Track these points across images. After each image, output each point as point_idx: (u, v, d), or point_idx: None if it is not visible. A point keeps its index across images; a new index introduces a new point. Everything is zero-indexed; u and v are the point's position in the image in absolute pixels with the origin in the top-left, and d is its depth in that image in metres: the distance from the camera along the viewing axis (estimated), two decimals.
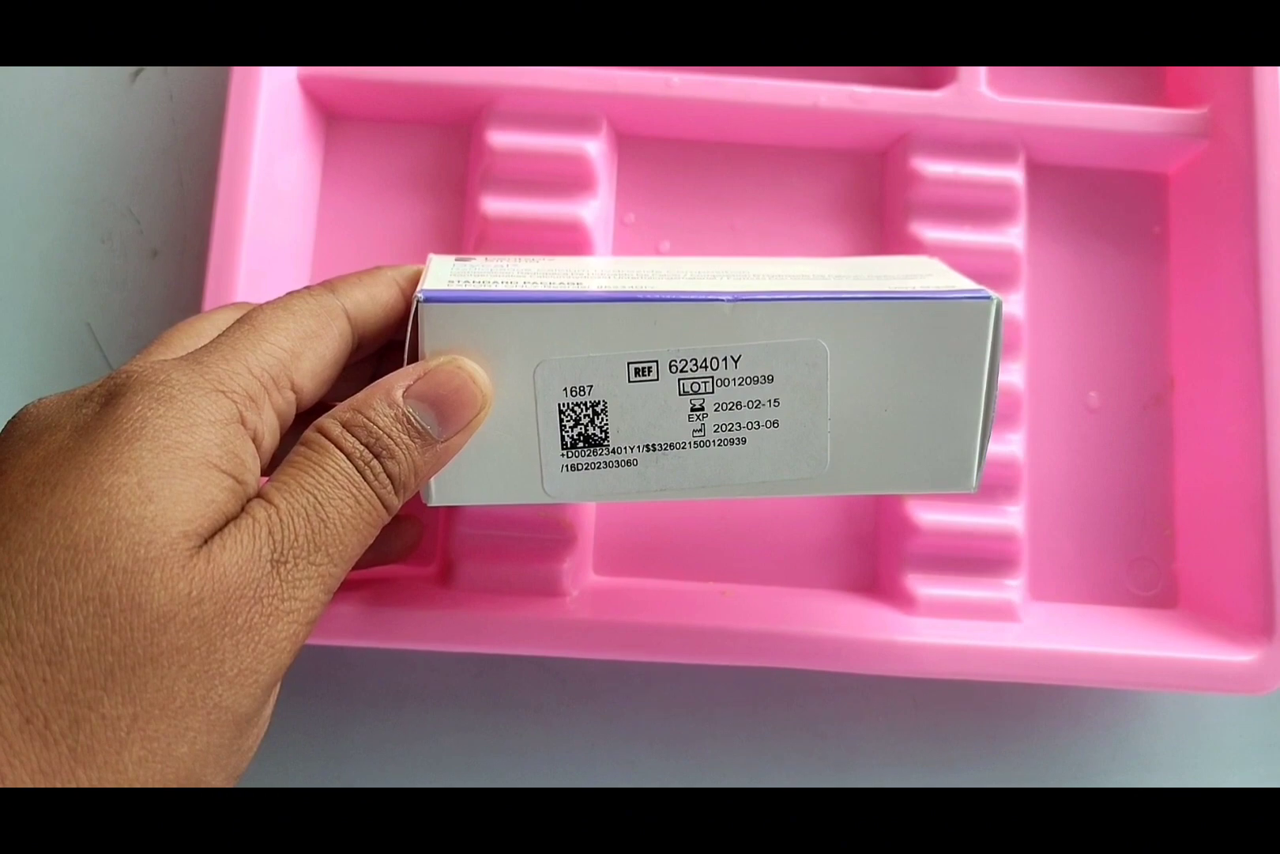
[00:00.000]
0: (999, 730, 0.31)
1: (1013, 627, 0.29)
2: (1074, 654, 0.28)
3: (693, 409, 0.22)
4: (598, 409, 0.22)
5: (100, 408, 0.19)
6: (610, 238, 0.32)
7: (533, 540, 0.29)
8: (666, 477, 0.23)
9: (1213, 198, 0.31)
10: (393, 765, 0.30)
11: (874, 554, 0.31)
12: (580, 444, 0.22)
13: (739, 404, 0.23)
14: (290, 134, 0.30)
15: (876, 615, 0.29)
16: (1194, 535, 0.31)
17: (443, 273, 0.23)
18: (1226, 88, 0.31)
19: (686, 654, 0.27)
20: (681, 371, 0.22)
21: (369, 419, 0.21)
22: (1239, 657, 0.28)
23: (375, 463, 0.20)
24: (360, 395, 0.21)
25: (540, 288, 0.22)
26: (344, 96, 0.31)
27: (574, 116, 0.31)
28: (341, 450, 0.20)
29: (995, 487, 0.30)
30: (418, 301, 0.21)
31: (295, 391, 0.21)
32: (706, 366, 0.22)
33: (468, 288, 0.22)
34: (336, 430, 0.21)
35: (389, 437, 0.21)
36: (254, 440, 0.20)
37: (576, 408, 0.22)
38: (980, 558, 0.29)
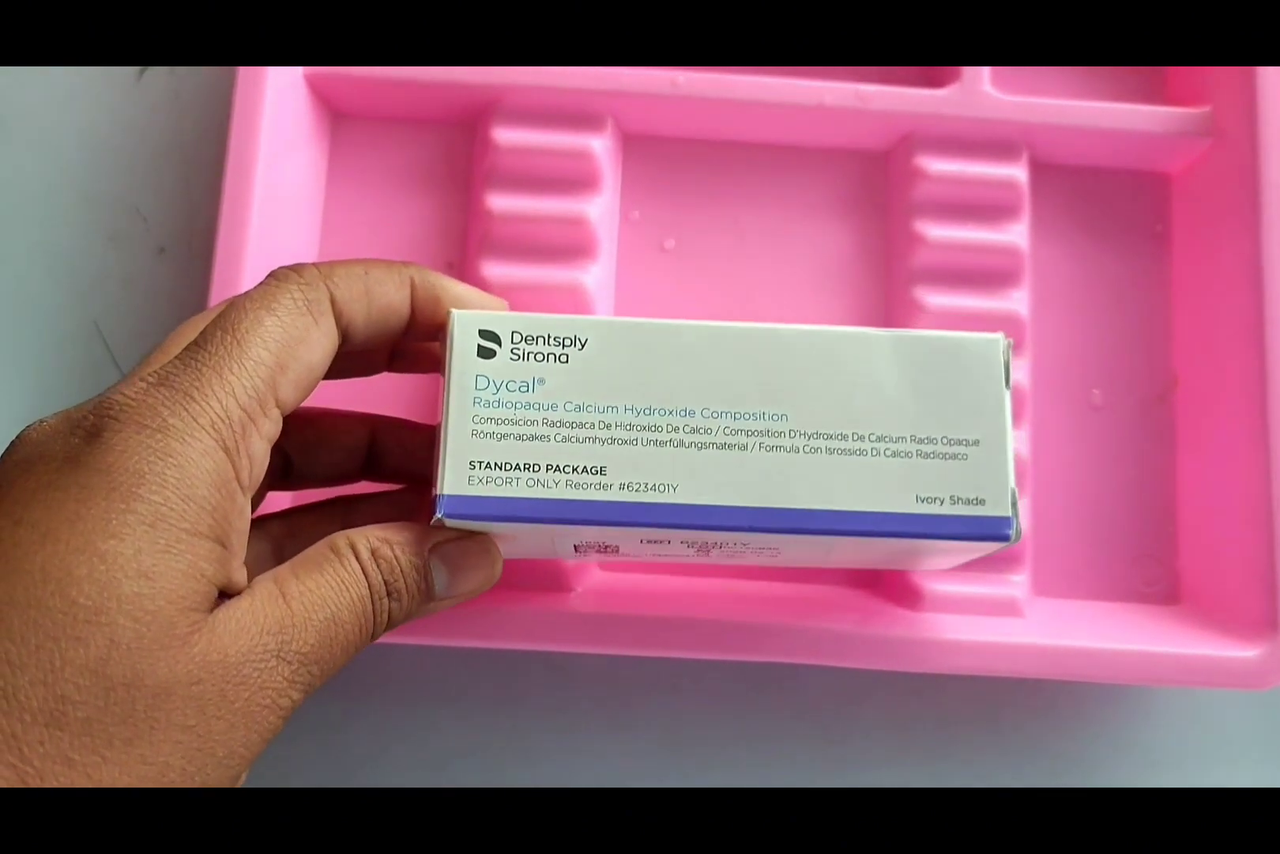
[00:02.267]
0: (1002, 726, 0.31)
1: (1017, 622, 0.29)
2: (1078, 649, 0.28)
3: (698, 552, 0.24)
4: (610, 548, 0.24)
5: (87, 439, 0.19)
6: (615, 235, 0.32)
7: None
8: (668, 559, 0.26)
9: (1215, 196, 0.31)
10: (396, 760, 0.30)
11: None
12: (593, 552, 0.25)
13: (744, 554, 0.24)
14: (296, 132, 0.31)
15: (882, 611, 0.29)
16: (1197, 532, 0.31)
17: (462, 424, 0.21)
18: (1229, 87, 0.31)
19: (691, 649, 0.28)
20: (692, 543, 0.23)
21: (396, 556, 0.21)
22: (1241, 652, 0.28)
23: (385, 601, 0.21)
24: (395, 530, 0.22)
25: (563, 477, 0.21)
26: (350, 94, 0.31)
27: (579, 114, 0.31)
28: (368, 580, 0.21)
29: None
30: (437, 519, 0.21)
31: (279, 407, 0.21)
32: (718, 545, 0.23)
33: (486, 489, 0.21)
34: (366, 555, 0.21)
35: (404, 581, 0.21)
36: (242, 486, 0.20)
37: (592, 547, 0.24)
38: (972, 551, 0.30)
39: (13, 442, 0.20)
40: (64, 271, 0.32)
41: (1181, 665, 0.28)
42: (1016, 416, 0.30)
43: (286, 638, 0.19)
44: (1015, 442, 0.30)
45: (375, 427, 0.27)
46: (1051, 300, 0.32)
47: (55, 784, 0.17)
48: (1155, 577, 0.31)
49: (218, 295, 0.28)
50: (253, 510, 0.24)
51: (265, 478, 0.24)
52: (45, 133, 0.33)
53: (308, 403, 0.23)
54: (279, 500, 0.28)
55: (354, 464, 0.27)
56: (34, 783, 0.17)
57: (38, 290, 0.32)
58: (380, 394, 0.28)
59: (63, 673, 0.17)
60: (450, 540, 0.22)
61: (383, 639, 0.27)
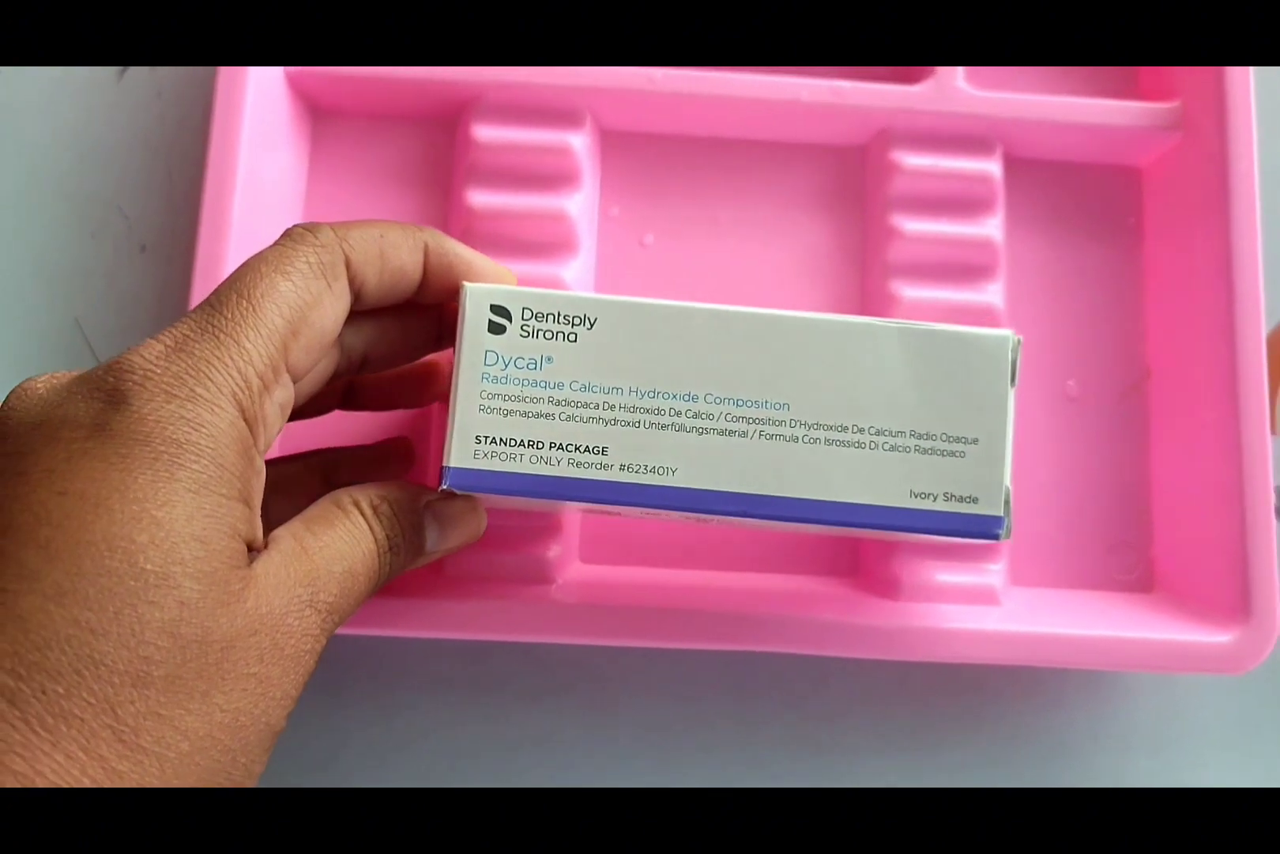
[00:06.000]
0: (981, 712, 0.31)
1: (994, 610, 0.29)
2: (1054, 636, 0.28)
3: (696, 521, 0.25)
4: (611, 511, 0.25)
5: (112, 404, 0.19)
6: (594, 231, 0.32)
7: (520, 528, 0.29)
8: (666, 520, 0.26)
9: (1186, 189, 0.32)
10: (380, 752, 0.30)
11: (857, 539, 0.31)
12: (594, 511, 0.26)
13: (739, 524, 0.25)
14: (277, 129, 0.31)
15: (860, 600, 0.29)
16: (1171, 520, 0.31)
17: (470, 399, 0.22)
18: (1198, 82, 0.32)
19: (672, 639, 0.28)
20: (688, 516, 0.24)
21: (395, 513, 0.23)
22: (1216, 637, 0.28)
23: (387, 555, 0.22)
24: (391, 489, 0.23)
25: (566, 455, 0.22)
26: (330, 92, 0.32)
27: (558, 111, 0.31)
28: (373, 536, 0.22)
29: None
30: (444, 488, 0.22)
31: (290, 373, 0.21)
32: (711, 519, 0.24)
33: (491, 463, 0.22)
34: (369, 511, 0.22)
35: (402, 535, 0.23)
36: (259, 450, 0.21)
37: (595, 509, 0.25)
38: (962, 543, 0.30)
39: (14, 392, 0.20)
40: (46, 269, 0.32)
41: (1158, 651, 0.28)
42: None
43: (315, 589, 0.21)
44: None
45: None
46: (1026, 293, 0.33)
47: (149, 738, 0.18)
48: (1130, 564, 0.32)
49: (199, 293, 0.28)
50: None
51: None
52: (27, 130, 0.33)
53: None
54: None
55: (332, 399, 0.27)
56: (129, 739, 0.18)
57: (19, 287, 0.32)
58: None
59: (143, 635, 0.18)
60: (440, 500, 0.24)
61: (367, 630, 0.28)
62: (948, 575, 0.30)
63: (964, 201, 0.32)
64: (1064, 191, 0.33)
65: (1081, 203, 0.33)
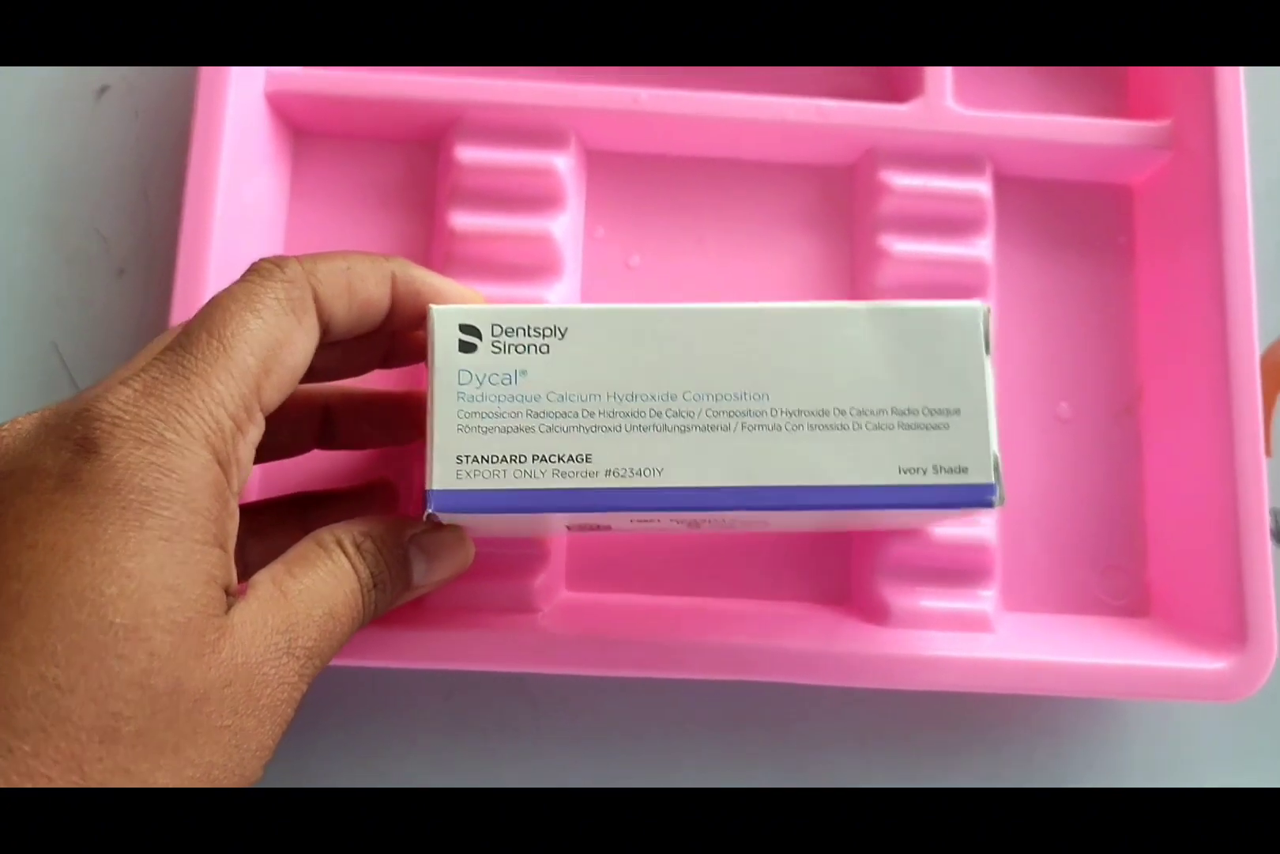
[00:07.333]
0: (973, 741, 0.31)
1: (986, 637, 0.29)
2: (1048, 664, 0.28)
3: (688, 526, 0.25)
4: (601, 526, 0.24)
5: (81, 454, 0.19)
6: (580, 253, 0.32)
7: (505, 556, 0.28)
8: (659, 531, 0.27)
9: (1177, 208, 0.32)
10: (360, 783, 0.30)
11: (846, 566, 0.30)
12: (585, 530, 0.25)
13: (733, 525, 0.25)
14: (257, 151, 0.30)
15: (850, 627, 0.29)
16: (1165, 544, 0.31)
17: (448, 420, 0.21)
18: (1188, 99, 0.31)
19: (658, 669, 0.27)
20: (681, 520, 0.24)
21: (379, 549, 0.22)
22: (1211, 664, 0.28)
23: (372, 592, 0.22)
24: (373, 524, 0.23)
25: (550, 467, 0.21)
26: (311, 113, 0.31)
27: (543, 132, 0.31)
28: (357, 574, 0.22)
29: None
30: (428, 515, 0.21)
31: (262, 410, 0.21)
32: (707, 520, 0.24)
33: (474, 482, 0.21)
34: (352, 549, 0.22)
35: (388, 572, 0.22)
36: (233, 492, 0.20)
37: (584, 525, 0.24)
38: (953, 569, 0.29)
39: None
40: (22, 292, 0.32)
41: (1152, 678, 0.28)
42: None
43: (293, 635, 0.20)
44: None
45: (329, 400, 0.27)
46: (1017, 313, 0.32)
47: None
48: (1124, 589, 0.31)
49: (177, 315, 0.28)
50: None
51: None
52: (3, 152, 0.33)
53: None
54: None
55: (309, 438, 0.27)
56: None
57: None
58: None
59: (112, 690, 0.18)
60: (426, 532, 0.23)
61: (349, 661, 0.27)
62: (939, 602, 0.29)
63: (953, 221, 0.31)
64: (1054, 211, 0.33)
65: (1072, 222, 0.33)
